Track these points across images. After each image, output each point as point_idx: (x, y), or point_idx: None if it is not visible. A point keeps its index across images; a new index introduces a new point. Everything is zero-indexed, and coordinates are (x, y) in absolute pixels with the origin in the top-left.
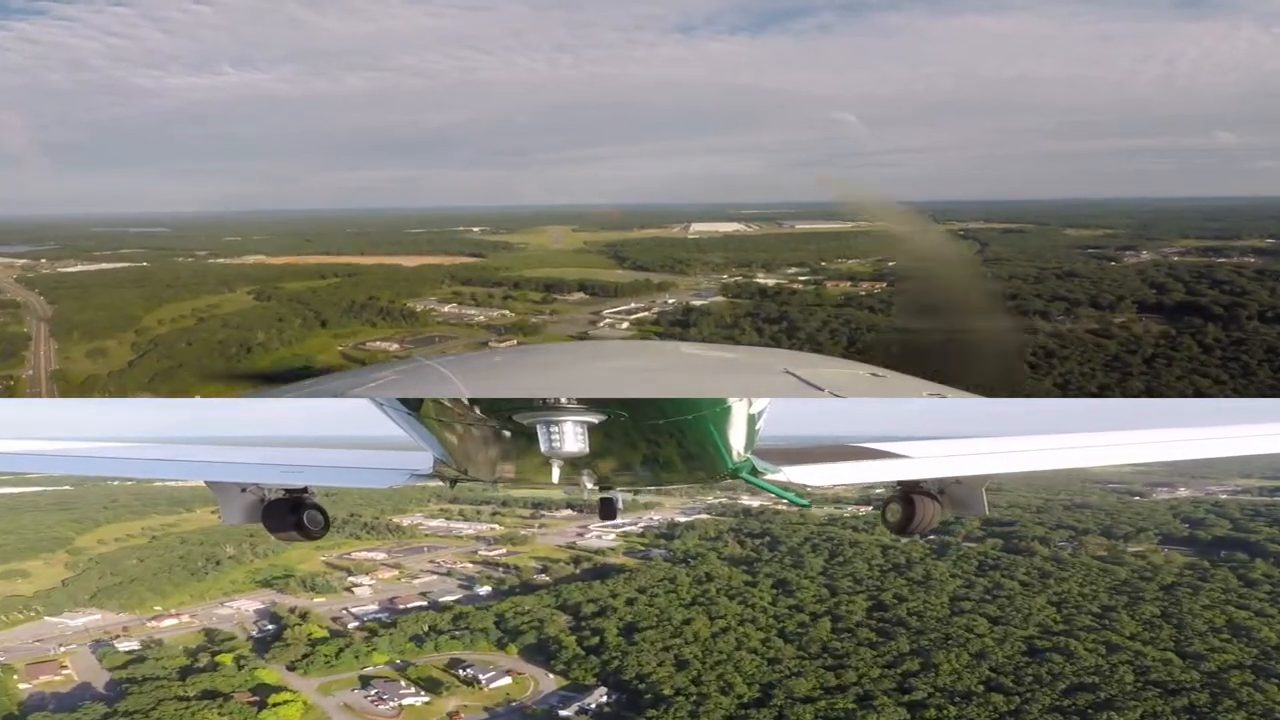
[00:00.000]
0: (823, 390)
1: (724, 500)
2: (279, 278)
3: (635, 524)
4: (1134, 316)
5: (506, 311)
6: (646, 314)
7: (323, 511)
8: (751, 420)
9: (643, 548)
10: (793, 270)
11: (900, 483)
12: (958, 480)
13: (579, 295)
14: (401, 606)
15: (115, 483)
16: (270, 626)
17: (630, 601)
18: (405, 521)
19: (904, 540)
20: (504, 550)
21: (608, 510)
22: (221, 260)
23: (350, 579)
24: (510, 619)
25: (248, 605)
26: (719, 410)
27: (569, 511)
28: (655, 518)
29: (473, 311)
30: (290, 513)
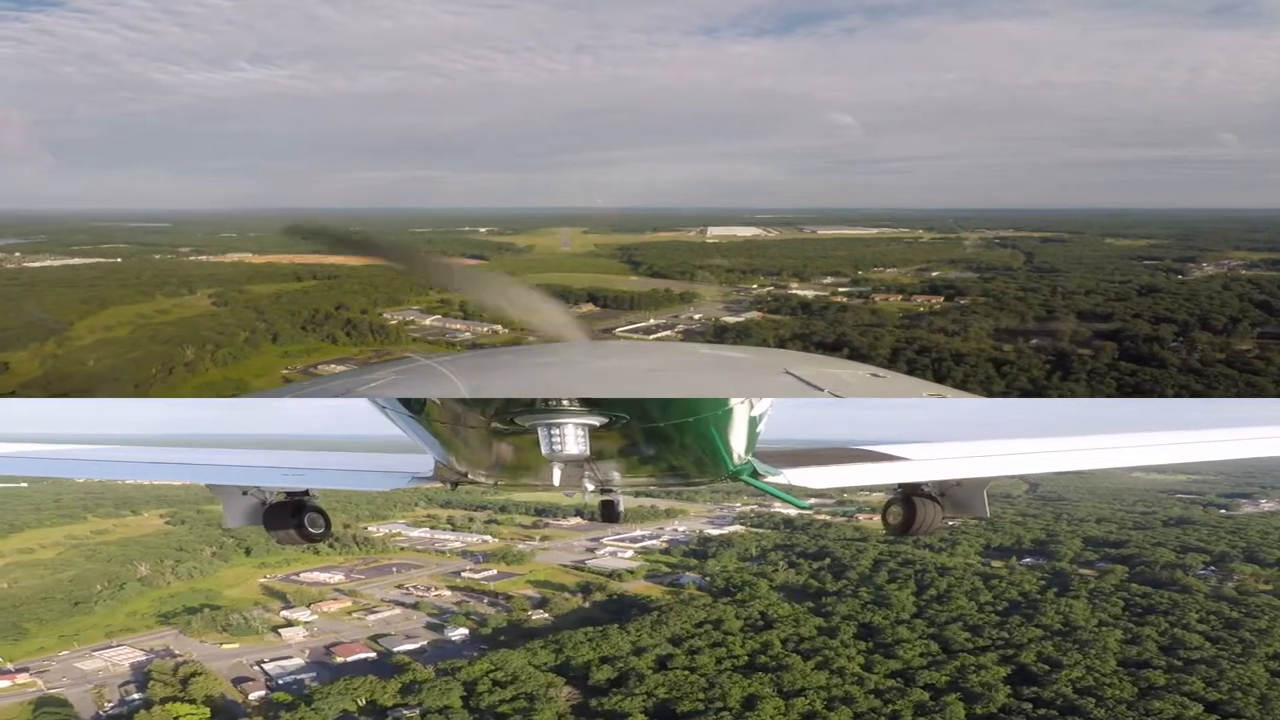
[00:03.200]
0: (823, 390)
1: (757, 508)
2: (250, 279)
3: (656, 537)
4: (1257, 341)
5: (499, 326)
6: (670, 333)
7: (324, 514)
8: (753, 423)
9: (669, 570)
10: (829, 280)
11: (901, 485)
12: (958, 483)
13: (588, 307)
14: (339, 660)
15: (82, 481)
16: (135, 696)
17: (662, 662)
18: (380, 531)
19: (996, 564)
20: (494, 571)
21: (609, 513)
22: (203, 258)
23: (285, 613)
24: (486, 692)
25: (127, 655)
26: (720, 412)
27: (578, 520)
28: (680, 529)
29: (458, 326)
30: (291, 515)
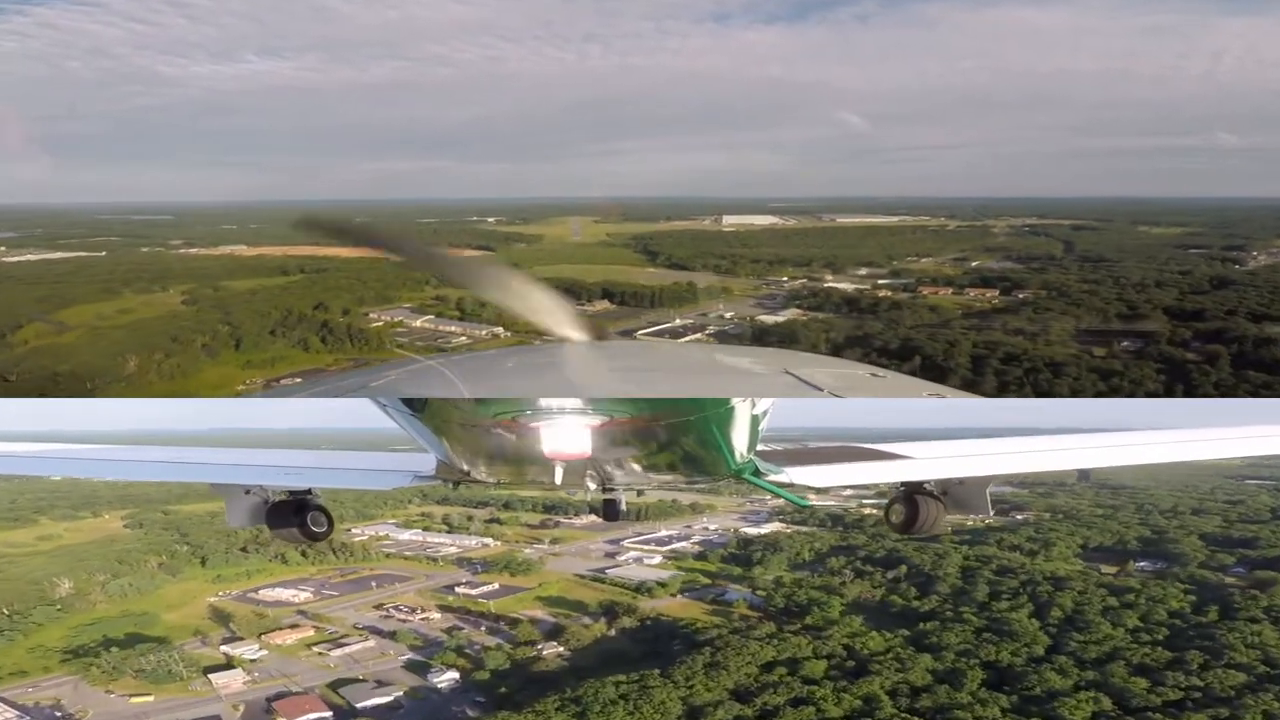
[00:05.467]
0: (822, 390)
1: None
2: (233, 273)
3: (686, 538)
4: None
5: (499, 329)
6: (699, 336)
7: (327, 513)
8: (755, 421)
9: (709, 581)
10: (864, 271)
11: (904, 483)
12: (960, 481)
13: (603, 305)
14: None
15: (57, 479)
16: None
17: None
18: (367, 533)
19: (1111, 571)
20: (495, 585)
21: (611, 512)
22: (193, 250)
23: (225, 647)
24: None
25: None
26: (722, 411)
27: (594, 519)
28: (711, 526)
29: (453, 328)
30: (294, 514)
